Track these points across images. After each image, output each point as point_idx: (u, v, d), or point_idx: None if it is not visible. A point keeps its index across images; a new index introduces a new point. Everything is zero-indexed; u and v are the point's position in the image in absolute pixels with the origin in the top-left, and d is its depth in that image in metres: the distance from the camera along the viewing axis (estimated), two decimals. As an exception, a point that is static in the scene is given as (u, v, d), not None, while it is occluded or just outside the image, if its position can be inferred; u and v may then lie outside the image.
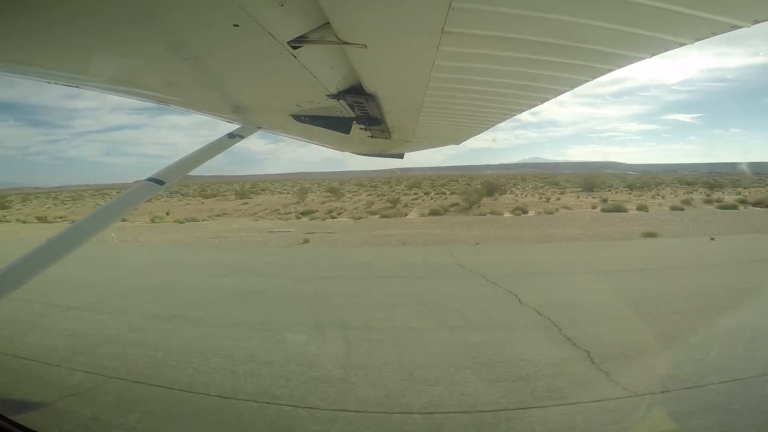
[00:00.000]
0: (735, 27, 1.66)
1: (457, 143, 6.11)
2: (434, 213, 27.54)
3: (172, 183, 3.09)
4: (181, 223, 27.23)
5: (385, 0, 1.59)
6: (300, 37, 1.80)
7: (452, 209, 29.41)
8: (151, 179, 2.90)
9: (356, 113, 3.25)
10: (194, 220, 28.65)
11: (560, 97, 3.02)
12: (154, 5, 1.49)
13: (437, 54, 2.00)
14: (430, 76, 2.36)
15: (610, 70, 2.29)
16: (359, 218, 26.72)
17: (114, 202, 2.81)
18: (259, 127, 3.91)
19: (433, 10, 1.60)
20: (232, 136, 3.53)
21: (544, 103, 3.11)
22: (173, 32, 1.77)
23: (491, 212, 26.82)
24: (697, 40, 1.82)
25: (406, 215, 27.66)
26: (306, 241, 16.98)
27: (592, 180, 47.54)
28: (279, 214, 31.67)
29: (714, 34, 1.74)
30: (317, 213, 30.05)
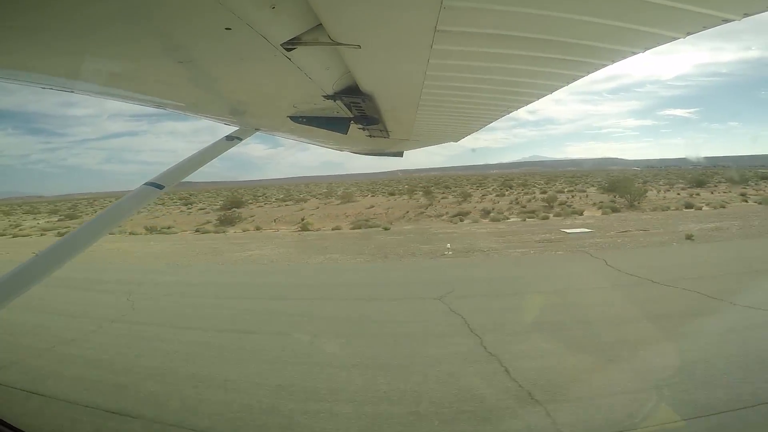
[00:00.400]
0: (726, 20, 1.67)
1: (456, 140, 6.11)
2: (614, 210, 26.21)
3: (171, 187, 3.10)
4: (385, 229, 23.45)
5: (376, 0, 1.59)
6: (293, 39, 1.81)
7: (615, 206, 27.63)
8: (151, 183, 2.91)
9: (354, 113, 3.25)
10: (360, 227, 24.60)
11: (557, 95, 3.03)
12: (146, 10, 1.50)
13: (431, 53, 2.00)
14: (425, 74, 2.37)
15: (604, 65, 2.29)
16: (545, 218, 24.85)
17: (114, 207, 2.82)
18: (257, 129, 3.92)
19: (425, 9, 1.61)
20: (231, 139, 3.54)
21: (540, 100, 3.11)
22: (166, 36, 1.78)
23: (656, 208, 25.59)
24: (689, 34, 1.82)
25: (582, 213, 26.08)
26: (689, 236, 15.65)
27: (701, 177, 48.91)
28: (429, 217, 28.47)
29: (705, 27, 1.75)
30: (471, 214, 27.91)
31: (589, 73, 2.38)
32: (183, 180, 3.21)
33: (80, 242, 2.46)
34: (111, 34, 1.70)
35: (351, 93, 2.79)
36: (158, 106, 3.20)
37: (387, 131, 4.29)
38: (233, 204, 41.51)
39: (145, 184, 2.88)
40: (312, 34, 1.82)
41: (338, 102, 2.91)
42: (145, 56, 2.03)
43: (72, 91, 2.60)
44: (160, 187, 2.92)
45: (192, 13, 1.54)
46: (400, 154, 7.48)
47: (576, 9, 1.70)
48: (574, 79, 2.51)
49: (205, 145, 3.51)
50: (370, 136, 4.45)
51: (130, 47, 1.87)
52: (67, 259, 2.31)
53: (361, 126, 3.79)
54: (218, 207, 42.53)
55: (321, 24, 1.73)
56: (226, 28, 1.58)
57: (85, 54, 1.94)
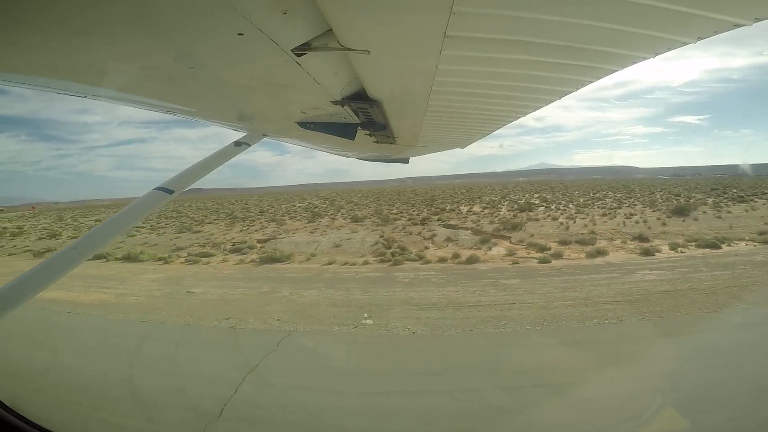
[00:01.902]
0: (737, 25, 1.66)
1: (463, 147, 6.11)
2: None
3: (181, 192, 3.12)
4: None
5: (386, 6, 1.61)
6: (304, 44, 1.83)
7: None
8: (161, 188, 2.94)
9: (361, 119, 3.27)
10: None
11: (564, 101, 3.03)
12: (160, 15, 1.53)
13: (440, 58, 2.01)
14: (433, 80, 2.38)
15: (614, 71, 2.29)
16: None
17: (125, 211, 2.84)
18: (264, 135, 3.95)
19: (434, 15, 1.62)
20: (239, 144, 3.57)
21: (548, 105, 3.11)
22: (179, 42, 1.81)
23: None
24: (699, 39, 1.81)
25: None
26: None
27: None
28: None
29: (716, 32, 1.74)
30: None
31: (598, 78, 2.38)
32: (192, 186, 3.25)
33: (93, 246, 2.50)
34: (125, 40, 1.73)
35: (359, 98, 2.81)
36: (169, 111, 3.24)
37: (394, 137, 4.31)
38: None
39: (156, 188, 2.91)
40: (322, 39, 1.85)
41: (346, 108, 2.93)
42: (159, 62, 2.06)
43: (85, 96, 2.64)
44: (169, 191, 2.95)
45: (206, 18, 1.57)
46: (405, 161, 7.51)
47: (586, 14, 1.70)
48: (583, 85, 2.51)
49: (212, 151, 3.55)
50: (377, 142, 4.47)
51: (145, 53, 1.90)
52: (80, 262, 2.35)
53: (368, 132, 3.80)
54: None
55: (331, 29, 1.75)
56: (239, 34, 1.60)
57: (101, 61, 1.98)
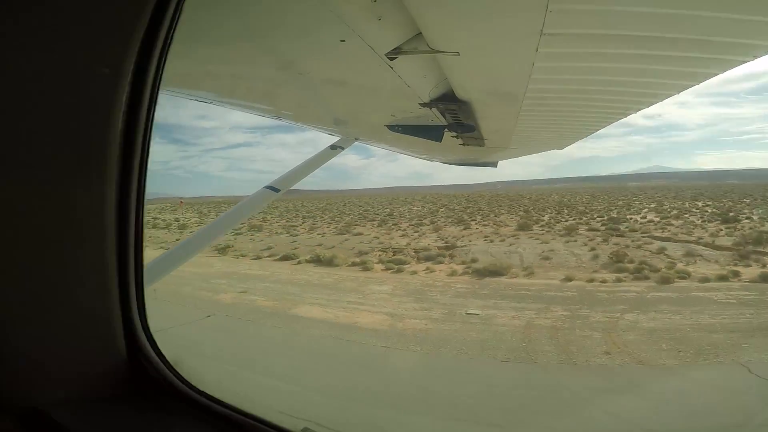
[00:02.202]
0: None
1: (561, 148, 5.72)
2: None
3: (285, 190, 3.49)
4: None
5: (476, 7, 1.61)
6: (395, 48, 1.93)
7: None
8: (269, 187, 3.32)
9: (448, 120, 3.29)
10: None
11: (681, 97, 2.68)
12: (278, 31, 1.75)
13: (536, 56, 1.95)
14: (529, 78, 2.30)
15: (742, 62, 1.98)
16: None
17: (238, 207, 3.27)
18: (356, 139, 4.19)
19: (529, 14, 1.59)
20: (334, 148, 3.86)
21: (663, 101, 2.79)
22: (292, 51, 2.05)
23: None
24: None
25: None
26: None
27: None
28: None
29: None
30: None
31: (723, 71, 2.10)
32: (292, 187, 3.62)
33: (213, 235, 2.95)
34: (248, 52, 2.01)
35: (447, 100, 2.84)
36: (276, 116, 3.64)
37: (483, 139, 4.22)
38: None
39: (265, 187, 3.30)
40: (412, 43, 1.92)
41: (434, 110, 2.98)
42: (276, 71, 2.36)
43: (210, 103, 3.10)
44: (276, 190, 3.32)
45: (314, 27, 1.76)
46: (494, 164, 7.23)
47: (703, 4, 1.51)
48: (705, 78, 2.22)
49: (308, 155, 3.93)
50: (464, 144, 4.42)
51: (265, 63, 2.20)
52: (202, 249, 2.79)
53: (455, 134, 3.80)
54: None
55: (420, 33, 1.81)
56: (341, 40, 1.75)
57: (229, 70, 2.33)
